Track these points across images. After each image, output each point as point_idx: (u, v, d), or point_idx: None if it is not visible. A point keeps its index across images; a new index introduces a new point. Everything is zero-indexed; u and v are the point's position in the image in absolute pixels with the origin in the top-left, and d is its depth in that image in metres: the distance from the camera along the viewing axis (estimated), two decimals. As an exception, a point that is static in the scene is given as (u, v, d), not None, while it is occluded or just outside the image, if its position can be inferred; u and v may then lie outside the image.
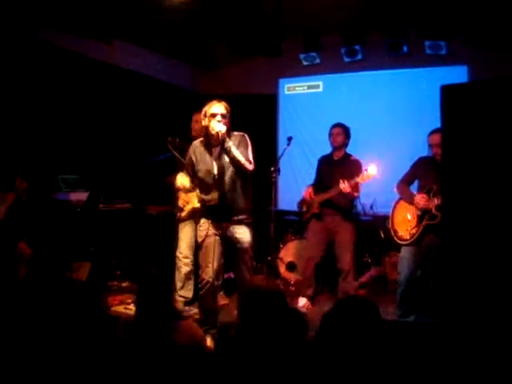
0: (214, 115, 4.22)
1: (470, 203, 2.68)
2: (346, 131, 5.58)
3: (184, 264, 5.43)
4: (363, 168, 5.21)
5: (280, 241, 6.87)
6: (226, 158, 4.23)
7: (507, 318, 2.73)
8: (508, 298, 2.71)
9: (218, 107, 4.25)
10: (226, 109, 4.27)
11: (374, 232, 6.65)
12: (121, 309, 5.07)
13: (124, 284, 6.02)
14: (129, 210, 6.26)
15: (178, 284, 5.42)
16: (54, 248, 5.29)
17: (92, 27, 6.33)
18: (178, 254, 5.48)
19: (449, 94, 2.62)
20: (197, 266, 5.19)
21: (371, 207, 6.78)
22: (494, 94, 2.57)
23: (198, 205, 5.07)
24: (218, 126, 4.15)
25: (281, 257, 6.59)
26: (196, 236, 4.59)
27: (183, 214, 5.27)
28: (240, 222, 4.31)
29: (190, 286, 5.45)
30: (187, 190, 4.86)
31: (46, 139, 5.86)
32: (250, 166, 4.27)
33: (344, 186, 5.11)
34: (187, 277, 5.44)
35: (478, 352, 2.79)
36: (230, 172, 4.24)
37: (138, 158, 6.51)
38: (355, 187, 5.18)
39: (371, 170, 5.01)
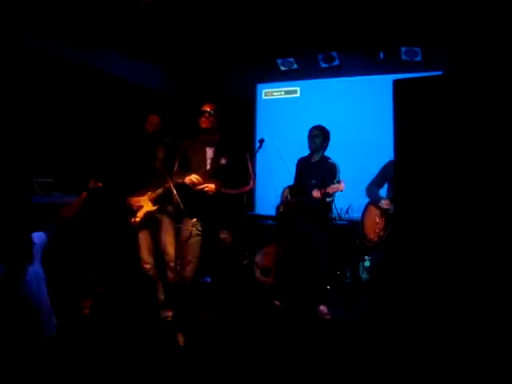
0: (202, 112, 4.37)
1: (421, 200, 2.70)
2: (324, 134, 5.57)
3: (147, 270, 5.37)
4: (339, 173, 5.28)
5: (255, 245, 6.88)
6: (222, 161, 4.34)
7: (451, 318, 2.77)
8: (455, 300, 2.75)
9: (203, 107, 4.41)
10: (213, 106, 4.41)
11: (349, 237, 6.68)
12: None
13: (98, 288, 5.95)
14: (103, 213, 6.21)
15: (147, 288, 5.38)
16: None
17: (71, 31, 6.32)
18: (140, 259, 5.44)
19: (402, 88, 2.64)
20: (162, 267, 5.23)
21: (347, 212, 6.81)
22: (447, 88, 2.60)
23: (152, 208, 5.11)
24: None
25: (256, 261, 6.59)
26: (159, 235, 4.93)
27: (138, 218, 5.24)
28: (225, 224, 4.39)
29: (160, 289, 5.41)
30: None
31: (20, 142, 5.81)
32: (248, 186, 4.46)
33: (317, 194, 5.16)
34: (154, 281, 5.40)
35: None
36: (220, 176, 4.31)
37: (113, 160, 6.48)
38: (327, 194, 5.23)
39: (340, 186, 5.06)
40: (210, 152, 4.40)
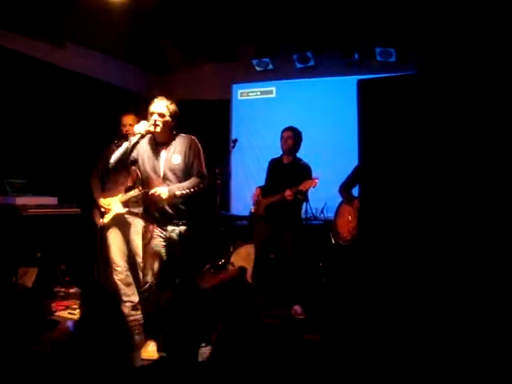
0: (152, 114, 4.14)
1: (386, 199, 2.74)
2: (296, 135, 5.56)
3: (118, 273, 5.34)
4: (311, 174, 5.30)
5: (231, 245, 6.87)
6: (174, 161, 4.19)
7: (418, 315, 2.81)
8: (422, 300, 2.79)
9: (156, 105, 4.16)
10: (167, 107, 4.16)
11: (324, 236, 6.70)
12: (65, 314, 4.99)
13: (71, 290, 5.90)
14: (78, 214, 6.16)
15: (120, 291, 5.34)
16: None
17: (44, 29, 6.24)
18: (111, 262, 5.39)
19: (365, 88, 2.67)
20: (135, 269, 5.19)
21: (322, 211, 6.84)
22: (411, 88, 2.64)
23: (122, 211, 5.06)
24: (138, 127, 4.10)
25: (232, 261, 6.58)
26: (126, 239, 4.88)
27: (106, 220, 5.21)
28: (184, 225, 4.27)
29: (132, 290, 5.37)
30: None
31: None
32: (203, 183, 4.23)
33: (289, 193, 5.16)
34: (124, 283, 5.35)
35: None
36: (176, 176, 4.21)
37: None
38: (300, 192, 5.23)
39: (314, 180, 5.08)
40: (163, 152, 4.22)
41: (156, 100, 4.19)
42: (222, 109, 8.39)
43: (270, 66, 7.92)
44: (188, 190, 4.15)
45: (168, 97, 4.28)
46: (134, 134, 4.98)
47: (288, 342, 3.76)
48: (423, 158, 2.58)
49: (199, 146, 4.31)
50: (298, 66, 7.70)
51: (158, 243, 4.24)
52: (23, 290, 4.96)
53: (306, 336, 4.22)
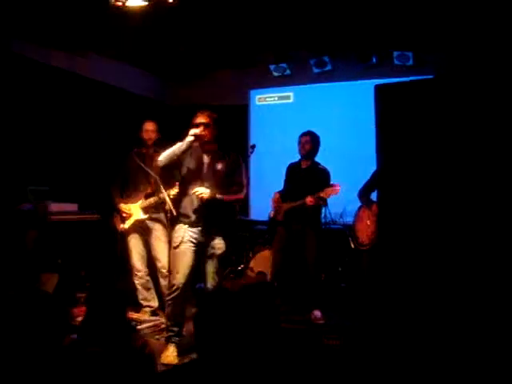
0: (197, 125, 4.28)
1: (404, 204, 2.73)
2: (314, 140, 5.58)
3: (138, 277, 5.40)
4: (330, 178, 5.30)
5: (250, 251, 6.89)
6: (216, 168, 4.34)
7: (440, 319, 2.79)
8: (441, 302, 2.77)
9: (200, 117, 4.32)
10: (208, 117, 4.32)
11: (343, 241, 6.69)
12: (86, 320, 5.02)
13: (92, 295, 5.94)
14: (98, 220, 6.22)
15: (140, 295, 5.40)
16: (20, 260, 5.25)
17: (66, 40, 6.34)
18: (131, 267, 5.45)
19: (383, 93, 2.67)
20: (154, 274, 5.24)
21: (341, 216, 6.82)
22: (428, 93, 2.63)
23: (142, 217, 5.13)
24: (193, 131, 4.23)
25: (251, 266, 6.60)
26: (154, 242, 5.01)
27: (126, 225, 5.27)
28: (217, 231, 4.36)
29: (152, 295, 5.43)
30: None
31: (16, 150, 5.84)
32: (242, 194, 4.43)
33: (310, 199, 5.18)
34: (144, 288, 5.41)
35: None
36: (216, 182, 4.32)
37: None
38: (322, 198, 5.24)
39: (335, 188, 5.09)
40: (206, 158, 4.39)
41: (199, 113, 4.35)
42: (240, 114, 8.42)
43: (288, 72, 7.95)
44: (228, 197, 4.32)
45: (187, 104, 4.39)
46: (153, 140, 5.09)
47: (307, 346, 3.77)
48: (440, 162, 2.57)
49: (242, 161, 4.51)
50: (316, 70, 7.72)
51: (189, 247, 4.30)
52: (44, 296, 5.01)
53: (326, 341, 4.22)
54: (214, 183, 4.30)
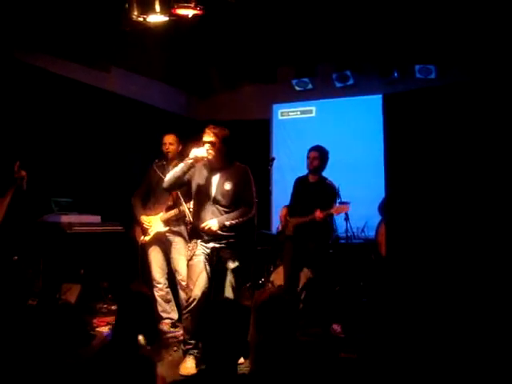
0: (204, 143, 4.27)
1: (413, 204, 2.72)
2: (322, 155, 5.55)
3: (158, 289, 5.43)
4: (337, 193, 5.32)
5: (272, 264, 6.86)
6: (226, 187, 4.30)
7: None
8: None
9: (207, 135, 4.28)
10: (215, 135, 4.26)
11: (365, 255, 6.64)
12: (105, 329, 5.08)
13: (114, 307, 5.99)
14: (121, 232, 6.28)
15: (159, 308, 5.42)
16: (43, 270, 5.34)
17: (89, 54, 6.47)
18: (151, 279, 5.48)
19: (391, 103, 2.67)
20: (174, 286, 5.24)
21: (362, 230, 6.79)
22: (435, 101, 2.63)
23: (163, 229, 5.15)
24: (195, 152, 4.21)
25: (272, 280, 6.58)
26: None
27: (147, 238, 5.31)
28: (229, 245, 4.33)
29: (172, 307, 5.46)
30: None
31: (40, 162, 5.94)
32: (251, 213, 4.40)
33: (319, 215, 5.18)
34: (164, 300, 5.44)
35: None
36: (225, 201, 4.31)
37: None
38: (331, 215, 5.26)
39: (345, 206, 5.10)
40: (214, 177, 4.36)
41: (206, 130, 4.31)
42: (263, 128, 8.48)
43: (310, 86, 7.98)
44: (237, 220, 4.29)
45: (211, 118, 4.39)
46: (174, 153, 5.13)
47: (323, 358, 3.74)
48: (448, 168, 2.56)
49: (251, 176, 4.45)
50: (338, 85, 7.73)
51: (201, 260, 4.29)
52: (66, 306, 5.07)
53: (343, 354, 4.19)
54: (223, 203, 4.30)
